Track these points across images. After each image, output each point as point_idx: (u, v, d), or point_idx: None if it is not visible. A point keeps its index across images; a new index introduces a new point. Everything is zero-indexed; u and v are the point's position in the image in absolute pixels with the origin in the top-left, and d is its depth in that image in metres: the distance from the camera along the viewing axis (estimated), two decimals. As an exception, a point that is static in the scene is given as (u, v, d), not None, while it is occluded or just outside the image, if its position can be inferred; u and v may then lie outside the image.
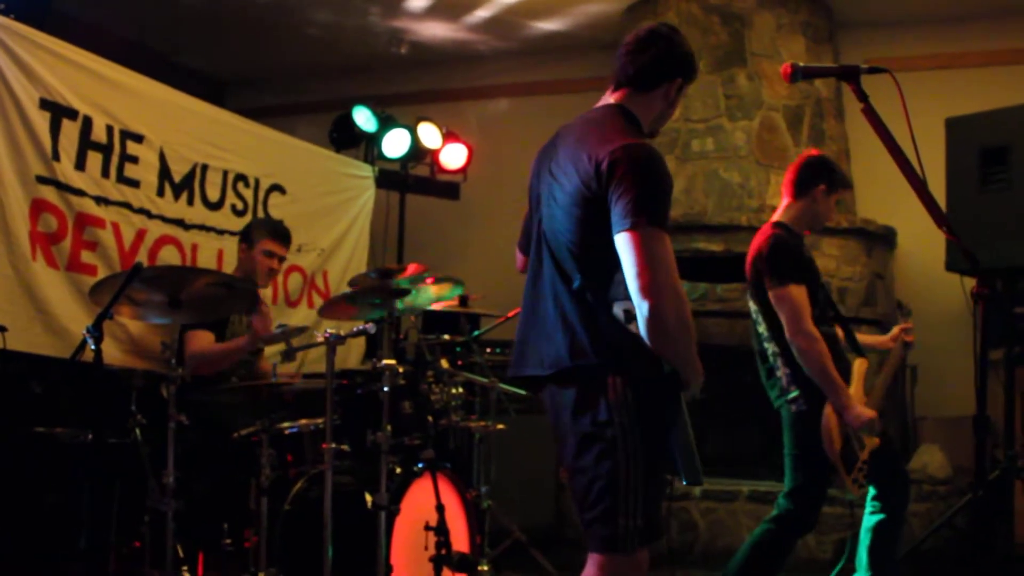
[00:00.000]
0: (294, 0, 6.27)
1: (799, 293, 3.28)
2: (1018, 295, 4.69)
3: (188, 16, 6.49)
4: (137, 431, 3.35)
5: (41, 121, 3.72)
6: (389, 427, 3.14)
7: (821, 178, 3.48)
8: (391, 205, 6.14)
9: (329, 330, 3.19)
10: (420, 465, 3.47)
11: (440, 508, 3.28)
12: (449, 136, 6.28)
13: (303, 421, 3.53)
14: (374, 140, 5.97)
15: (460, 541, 3.57)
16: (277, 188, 4.99)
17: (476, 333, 4.68)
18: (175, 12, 6.41)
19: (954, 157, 4.66)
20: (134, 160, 4.13)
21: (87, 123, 3.90)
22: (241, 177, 4.74)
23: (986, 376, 4.40)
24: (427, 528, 3.30)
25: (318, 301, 5.16)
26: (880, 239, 5.73)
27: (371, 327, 3.29)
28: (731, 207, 5.72)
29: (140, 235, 4.16)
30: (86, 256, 3.91)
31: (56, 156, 3.78)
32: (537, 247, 2.45)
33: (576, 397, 2.28)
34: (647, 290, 2.13)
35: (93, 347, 2.81)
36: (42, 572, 3.70)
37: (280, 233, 4.23)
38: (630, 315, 2.23)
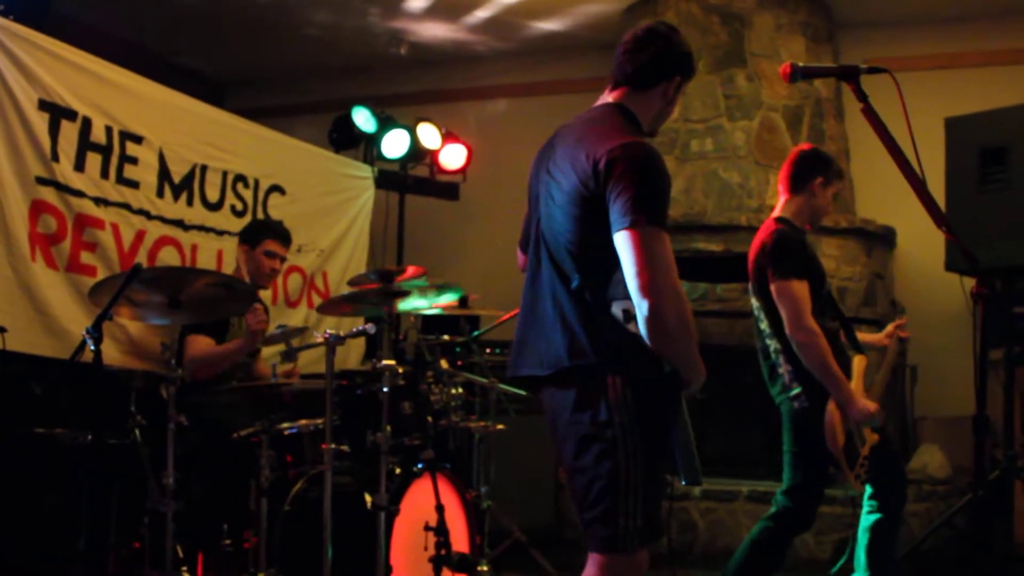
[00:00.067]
0: (294, 0, 6.27)
1: (800, 288, 3.27)
2: (1017, 295, 4.69)
3: (187, 17, 6.48)
4: (137, 432, 3.36)
5: (40, 122, 3.72)
6: (389, 427, 3.14)
7: (818, 171, 3.49)
8: (390, 205, 6.14)
9: (329, 330, 3.19)
10: (420, 465, 3.47)
11: (440, 508, 3.28)
12: (448, 136, 6.28)
13: (303, 422, 3.53)
14: (373, 140, 5.98)
15: (460, 541, 3.57)
16: (277, 189, 4.99)
17: (476, 333, 4.68)
18: (174, 13, 6.41)
19: (953, 157, 4.67)
20: (133, 161, 4.13)
21: (86, 124, 3.90)
22: (241, 178, 4.74)
23: (986, 376, 4.40)
24: (427, 528, 3.30)
25: (318, 301, 5.15)
26: (880, 239, 5.74)
27: (371, 327, 3.29)
28: (730, 207, 5.72)
29: (139, 236, 4.16)
30: (85, 257, 3.91)
31: (55, 157, 3.78)
32: (535, 247, 2.45)
33: (575, 397, 2.28)
34: (647, 289, 2.13)
35: (93, 348, 2.81)
36: (42, 573, 3.69)
37: (282, 234, 4.24)
38: (629, 315, 2.22)
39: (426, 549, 3.28)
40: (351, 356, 5.50)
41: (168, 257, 4.29)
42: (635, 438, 2.22)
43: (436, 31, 6.72)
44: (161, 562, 3.13)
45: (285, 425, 3.47)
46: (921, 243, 5.60)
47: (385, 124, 5.99)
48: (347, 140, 5.98)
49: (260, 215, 4.82)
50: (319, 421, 3.46)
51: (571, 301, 2.30)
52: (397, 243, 6.20)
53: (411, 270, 3.32)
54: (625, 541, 2.21)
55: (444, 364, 3.93)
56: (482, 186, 6.56)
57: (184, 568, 3.26)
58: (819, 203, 3.51)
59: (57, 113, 3.78)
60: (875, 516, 3.42)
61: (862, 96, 2.27)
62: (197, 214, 4.48)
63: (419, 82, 7.24)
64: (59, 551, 3.60)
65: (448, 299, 3.57)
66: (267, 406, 3.43)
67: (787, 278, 3.28)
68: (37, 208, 3.72)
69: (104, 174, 4.00)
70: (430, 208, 6.58)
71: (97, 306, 3.03)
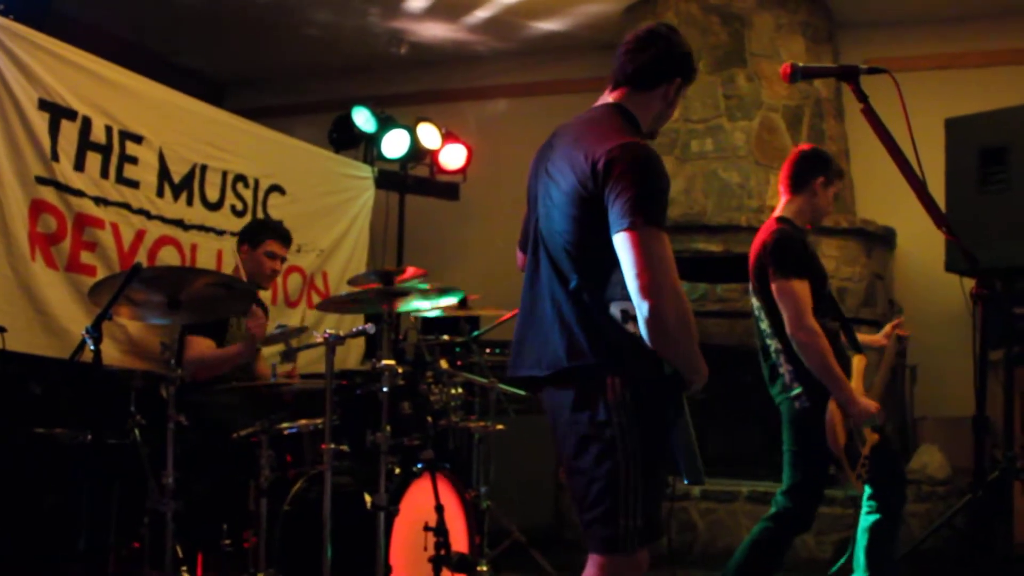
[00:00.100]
0: (294, 0, 6.27)
1: (801, 288, 3.27)
2: (1017, 295, 4.69)
3: (187, 16, 6.48)
4: (136, 432, 3.36)
5: (40, 122, 3.72)
6: (388, 427, 3.13)
7: (818, 170, 3.49)
8: (390, 205, 6.14)
9: (328, 330, 3.19)
10: (419, 465, 3.47)
11: (439, 508, 3.28)
12: (448, 136, 6.28)
13: (302, 422, 3.53)
14: (373, 140, 5.98)
15: (459, 541, 3.57)
16: (276, 188, 4.99)
17: (475, 333, 4.68)
18: (174, 12, 6.41)
19: (953, 157, 4.66)
20: (133, 161, 4.13)
21: (86, 124, 3.90)
22: (240, 177, 4.74)
23: (985, 376, 4.40)
24: (426, 528, 3.29)
25: (317, 302, 5.15)
26: (880, 239, 5.73)
27: (370, 327, 3.29)
28: (730, 207, 5.72)
29: (139, 235, 4.16)
30: (85, 257, 3.91)
31: (55, 157, 3.78)
32: (534, 247, 2.44)
33: (574, 398, 2.27)
34: (647, 290, 2.12)
35: (92, 348, 2.81)
36: (42, 573, 3.69)
37: (282, 234, 4.24)
38: (627, 315, 2.22)
39: (425, 549, 3.28)
40: (351, 356, 5.50)
41: (168, 257, 4.29)
42: (634, 438, 2.21)
43: (436, 31, 6.72)
44: (161, 562, 3.13)
45: (285, 425, 3.47)
46: (921, 243, 5.61)
47: (385, 124, 5.99)
48: (347, 140, 5.98)
49: (260, 215, 4.82)
50: (319, 421, 3.46)
51: (569, 302, 2.30)
52: (397, 243, 6.20)
53: (411, 271, 3.32)
54: (625, 541, 2.21)
55: (444, 364, 3.93)
56: (482, 186, 6.56)
57: (184, 568, 3.26)
58: (820, 203, 3.51)
59: (57, 113, 3.78)
60: (875, 516, 3.42)
61: (862, 96, 2.27)
62: (197, 214, 4.48)
63: (419, 82, 7.24)
64: (59, 551, 3.59)
65: (448, 301, 3.57)
66: (267, 406, 3.43)
67: (788, 278, 3.27)
68: (37, 208, 3.72)
69: (104, 174, 4.00)
70: (430, 208, 6.58)
71: (97, 306, 3.03)
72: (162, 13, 6.42)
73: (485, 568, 3.71)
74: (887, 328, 3.69)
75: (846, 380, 3.26)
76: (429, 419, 3.67)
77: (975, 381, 4.32)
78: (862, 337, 3.64)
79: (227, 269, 4.35)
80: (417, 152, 6.12)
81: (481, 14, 6.39)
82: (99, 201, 3.97)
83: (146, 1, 6.24)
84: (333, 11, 6.43)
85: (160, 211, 4.27)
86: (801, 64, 2.33)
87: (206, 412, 3.66)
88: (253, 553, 3.33)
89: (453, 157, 6.31)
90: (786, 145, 5.78)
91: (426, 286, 3.25)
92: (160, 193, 4.28)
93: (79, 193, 3.88)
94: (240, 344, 3.87)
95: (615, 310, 2.25)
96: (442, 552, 3.25)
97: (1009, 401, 4.53)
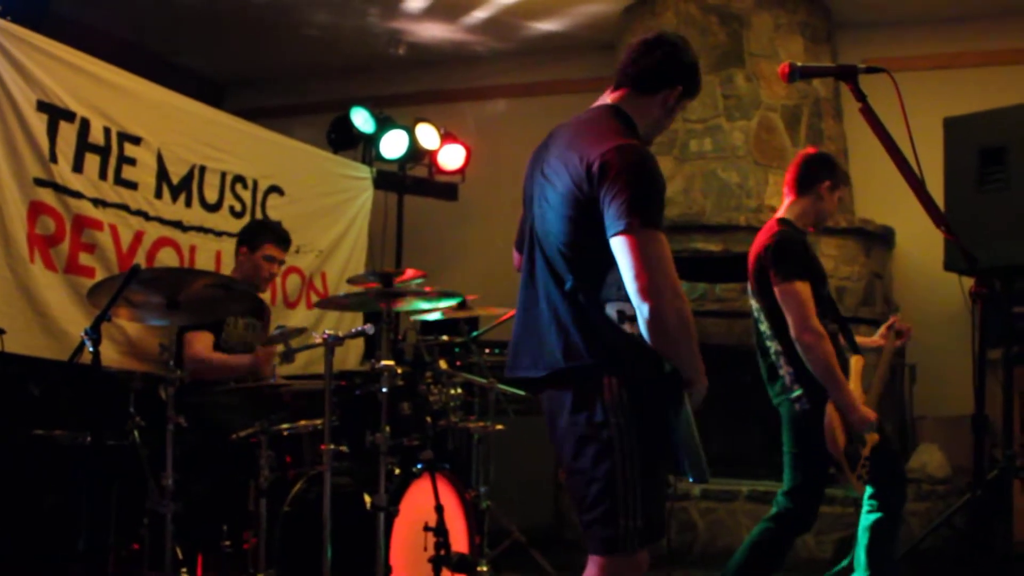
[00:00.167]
0: (293, 1, 6.27)
1: (805, 290, 3.27)
2: (1016, 294, 4.69)
3: (186, 17, 6.48)
4: (136, 433, 3.36)
5: (39, 123, 3.71)
6: (388, 428, 3.13)
7: (825, 174, 3.48)
8: (389, 206, 6.14)
9: (327, 331, 3.19)
10: (419, 466, 3.47)
11: (439, 509, 3.28)
12: (447, 137, 6.28)
13: (302, 422, 3.53)
14: (372, 141, 5.98)
15: (459, 542, 3.57)
16: (275, 189, 4.99)
17: (475, 334, 4.68)
18: (174, 13, 6.41)
19: (952, 157, 4.66)
20: (132, 162, 4.13)
21: (84, 125, 3.90)
22: (239, 178, 4.74)
23: (984, 375, 4.40)
24: (426, 529, 3.29)
25: (316, 302, 5.15)
26: (879, 239, 5.73)
27: (369, 328, 3.29)
28: (729, 207, 5.72)
29: (138, 237, 4.15)
30: (84, 258, 3.91)
31: (54, 158, 3.77)
32: (530, 248, 2.44)
33: (572, 398, 2.27)
34: (646, 292, 2.13)
35: (91, 349, 2.81)
36: (41, 573, 3.69)
37: (281, 237, 4.24)
38: (623, 316, 2.22)
39: (425, 549, 3.28)
40: (350, 356, 5.50)
41: (166, 258, 4.28)
42: (632, 438, 2.21)
43: (435, 31, 6.72)
44: (160, 563, 3.13)
45: (284, 426, 3.47)
46: (920, 243, 5.60)
47: (384, 124, 5.99)
48: (346, 140, 5.98)
49: (259, 216, 4.82)
50: (318, 422, 3.46)
51: (565, 302, 2.30)
52: (396, 244, 6.20)
53: (410, 272, 3.32)
54: (625, 542, 2.20)
55: (443, 364, 3.93)
56: (481, 186, 6.56)
57: (183, 569, 3.26)
58: (825, 207, 3.51)
59: (55, 114, 3.78)
60: (875, 515, 3.42)
61: (860, 96, 2.27)
62: (196, 215, 4.47)
63: (418, 82, 7.24)
64: (59, 552, 3.59)
65: (447, 304, 3.57)
66: (266, 407, 3.44)
67: (791, 280, 3.27)
68: (35, 209, 3.72)
69: (102, 175, 3.99)
70: (429, 208, 6.58)
71: (96, 307, 3.03)
72: (162, 13, 6.41)
73: (485, 568, 3.70)
74: (883, 329, 3.69)
75: (848, 386, 3.26)
76: (428, 419, 3.67)
77: (974, 380, 4.32)
78: (859, 339, 3.65)
79: (226, 270, 4.35)
80: (416, 152, 6.12)
81: (480, 14, 6.39)
82: (98, 202, 3.97)
83: (145, 1, 6.23)
84: (332, 11, 6.43)
85: (159, 212, 4.27)
86: (800, 64, 2.33)
87: (205, 413, 3.67)
88: (253, 554, 3.33)
89: (452, 157, 6.31)
90: (785, 145, 5.79)
91: (425, 289, 3.25)
92: (159, 194, 4.27)
93: (78, 195, 3.88)
94: (247, 358, 3.90)
95: (611, 311, 2.25)
96: (442, 552, 3.25)
97: (1008, 400, 4.53)
